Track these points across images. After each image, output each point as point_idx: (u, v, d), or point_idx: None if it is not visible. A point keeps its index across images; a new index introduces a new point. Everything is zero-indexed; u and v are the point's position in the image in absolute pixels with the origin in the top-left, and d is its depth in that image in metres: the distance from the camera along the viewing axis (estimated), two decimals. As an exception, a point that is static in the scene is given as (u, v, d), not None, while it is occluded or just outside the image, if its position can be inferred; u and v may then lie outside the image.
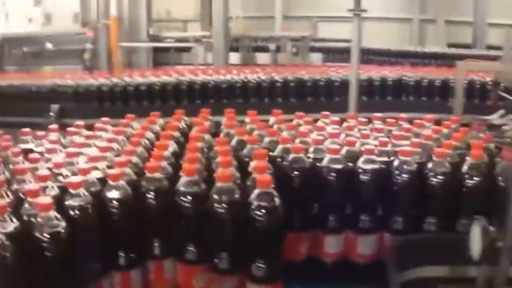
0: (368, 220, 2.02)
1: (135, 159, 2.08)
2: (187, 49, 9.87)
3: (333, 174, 2.00)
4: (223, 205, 1.71)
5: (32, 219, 1.60)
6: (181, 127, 2.65)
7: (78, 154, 2.13)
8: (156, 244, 1.86)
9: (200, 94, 5.24)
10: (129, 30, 9.50)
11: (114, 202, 1.79)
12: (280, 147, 2.14)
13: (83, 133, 2.52)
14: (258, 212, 1.68)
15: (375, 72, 5.72)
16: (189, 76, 5.37)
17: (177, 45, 9.89)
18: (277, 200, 1.70)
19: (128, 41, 9.31)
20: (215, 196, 1.72)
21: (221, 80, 5.34)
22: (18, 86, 5.49)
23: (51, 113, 4.98)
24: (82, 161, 2.08)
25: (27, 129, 2.52)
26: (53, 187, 1.81)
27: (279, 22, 15.80)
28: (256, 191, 1.71)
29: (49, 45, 10.42)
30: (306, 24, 13.69)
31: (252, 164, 1.95)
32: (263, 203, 1.68)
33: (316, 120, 2.61)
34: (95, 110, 4.81)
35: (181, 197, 1.78)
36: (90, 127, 2.61)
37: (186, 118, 2.81)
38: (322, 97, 5.44)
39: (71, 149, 2.19)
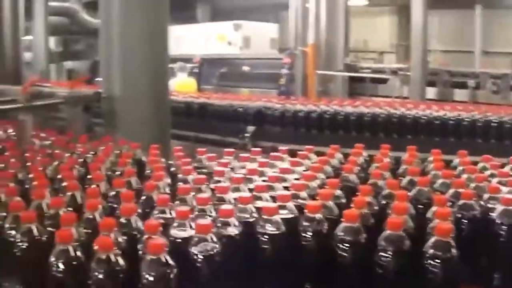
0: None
1: (303, 194, 1.90)
2: (383, 81, 9.63)
3: (503, 227, 1.70)
4: (389, 255, 1.51)
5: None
6: (360, 161, 2.44)
7: (279, 179, 2.04)
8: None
9: (391, 127, 4.93)
10: (326, 58, 9.44)
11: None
12: (451, 190, 1.89)
13: (284, 158, 2.42)
14: (432, 263, 1.47)
15: None
16: (387, 108, 5.11)
17: (373, 76, 9.68)
18: (454, 251, 1.48)
19: (324, 69, 9.26)
20: (382, 244, 1.52)
21: (416, 115, 5.01)
22: (217, 105, 5.60)
23: (247, 134, 4.98)
24: (279, 187, 1.99)
25: (230, 149, 2.46)
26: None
27: (478, 58, 15.03)
28: (432, 240, 1.50)
29: (245, 68, 10.70)
30: (508, 61, 12.87)
31: (433, 209, 1.72)
32: (439, 253, 1.47)
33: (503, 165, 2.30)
34: (284, 134, 4.78)
35: (338, 244, 1.60)
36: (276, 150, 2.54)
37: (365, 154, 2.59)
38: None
39: (273, 174, 2.11)
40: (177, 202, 1.83)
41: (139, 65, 3.59)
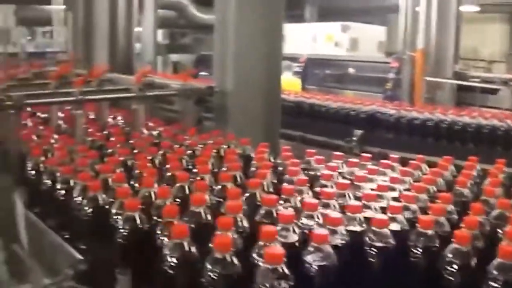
0: None
1: (413, 206, 1.83)
2: (493, 91, 9.26)
3: None
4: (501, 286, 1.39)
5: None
6: (474, 175, 2.33)
7: (387, 188, 1.98)
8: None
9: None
10: (435, 64, 9.18)
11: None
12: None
13: (395, 167, 2.35)
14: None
15: None
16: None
17: (482, 85, 9.32)
18: None
19: (433, 75, 9.00)
20: (494, 273, 1.40)
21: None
22: (327, 106, 5.57)
23: (354, 138, 4.92)
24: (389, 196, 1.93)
25: (339, 153, 2.42)
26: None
27: None
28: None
29: (351, 70, 10.58)
30: None
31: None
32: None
33: None
34: (394, 141, 4.68)
35: (446, 266, 1.50)
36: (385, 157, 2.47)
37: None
38: None
39: (382, 182, 2.06)
40: (281, 202, 1.82)
41: (253, 61, 3.60)
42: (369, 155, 2.47)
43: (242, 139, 2.71)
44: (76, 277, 1.80)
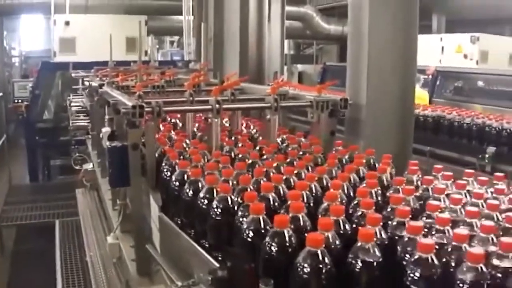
0: None
1: None
2: None
3: None
4: None
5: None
6: None
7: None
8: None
9: None
10: None
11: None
12: None
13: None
14: None
15: None
16: None
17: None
18: None
19: None
20: None
21: None
22: (458, 121, 5.40)
23: (486, 155, 4.71)
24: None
25: (470, 171, 2.31)
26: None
27: None
28: None
29: (481, 84, 10.18)
30: None
31: None
32: None
33: None
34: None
35: None
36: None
37: None
38: None
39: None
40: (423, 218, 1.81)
41: (388, 73, 3.55)
42: (502, 174, 2.36)
43: (368, 150, 2.71)
44: (214, 283, 1.81)
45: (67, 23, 10.49)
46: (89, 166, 5.29)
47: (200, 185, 2.26)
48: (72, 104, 7.59)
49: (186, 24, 9.28)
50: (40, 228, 8.05)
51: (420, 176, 2.35)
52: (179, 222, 2.35)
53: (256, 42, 5.74)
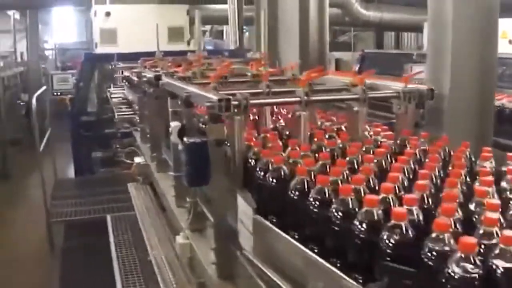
0: None
1: None
2: None
3: None
4: None
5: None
6: None
7: None
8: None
9: None
10: None
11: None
12: None
13: None
14: None
15: None
16: None
17: None
18: None
19: None
20: None
21: None
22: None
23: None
24: None
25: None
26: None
27: None
28: None
29: (527, 70, 9.93)
30: None
31: None
32: None
33: None
34: None
35: None
36: None
37: None
38: None
39: None
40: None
41: (470, 63, 3.45)
42: None
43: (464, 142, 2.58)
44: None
45: (107, 13, 10.46)
46: (140, 159, 5.15)
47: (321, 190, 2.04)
48: (112, 96, 7.56)
49: (231, 13, 9.16)
50: (88, 224, 7.89)
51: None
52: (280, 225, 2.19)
53: (318, 30, 5.61)
